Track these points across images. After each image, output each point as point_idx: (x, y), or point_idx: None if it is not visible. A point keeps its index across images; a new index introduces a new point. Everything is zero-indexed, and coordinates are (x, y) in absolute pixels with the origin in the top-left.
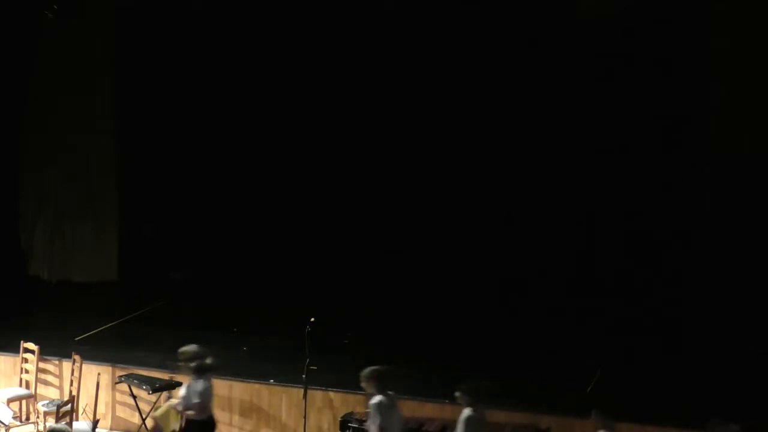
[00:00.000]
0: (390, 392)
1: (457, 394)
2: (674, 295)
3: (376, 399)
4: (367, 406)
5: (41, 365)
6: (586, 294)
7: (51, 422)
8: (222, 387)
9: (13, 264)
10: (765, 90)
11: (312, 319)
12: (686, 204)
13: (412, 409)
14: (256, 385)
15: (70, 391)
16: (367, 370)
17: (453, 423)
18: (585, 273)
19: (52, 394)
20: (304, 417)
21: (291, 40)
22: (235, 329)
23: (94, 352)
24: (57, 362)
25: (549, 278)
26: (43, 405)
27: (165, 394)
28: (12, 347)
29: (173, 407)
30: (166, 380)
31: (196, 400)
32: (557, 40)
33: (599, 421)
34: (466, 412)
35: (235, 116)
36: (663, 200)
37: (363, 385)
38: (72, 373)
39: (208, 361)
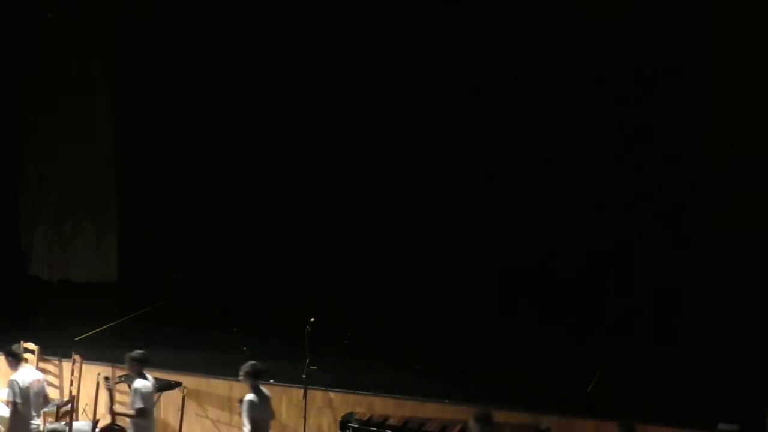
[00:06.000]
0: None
1: (241, 376)
2: (674, 294)
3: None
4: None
5: (41, 365)
6: (586, 294)
7: (51, 422)
8: (222, 387)
9: (13, 264)
10: (765, 90)
11: (312, 319)
12: (687, 203)
13: (412, 409)
14: None
15: (70, 391)
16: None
17: (453, 423)
18: (585, 273)
19: (52, 394)
20: (304, 417)
21: (289, 39)
22: (235, 329)
23: (94, 352)
24: (57, 362)
25: (549, 278)
26: None
27: None
28: None
29: None
30: (166, 380)
31: None
32: (555, 41)
33: None
34: (249, 396)
35: (236, 117)
36: (662, 200)
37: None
38: (72, 373)
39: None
